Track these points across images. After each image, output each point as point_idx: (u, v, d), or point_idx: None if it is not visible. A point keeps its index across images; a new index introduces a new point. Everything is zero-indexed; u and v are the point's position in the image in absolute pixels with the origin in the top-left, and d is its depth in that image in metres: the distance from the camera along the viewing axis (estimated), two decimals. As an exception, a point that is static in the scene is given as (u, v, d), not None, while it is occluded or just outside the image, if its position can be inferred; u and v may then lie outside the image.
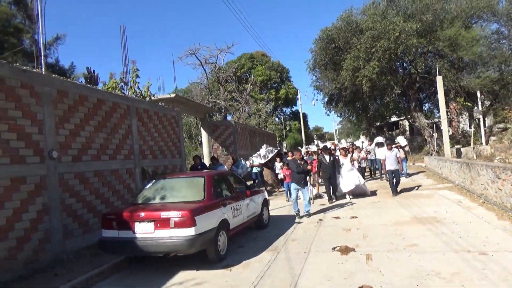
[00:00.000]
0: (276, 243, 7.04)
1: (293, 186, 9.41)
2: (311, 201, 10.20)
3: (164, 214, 5.49)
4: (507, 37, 21.02)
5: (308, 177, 9.79)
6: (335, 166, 11.63)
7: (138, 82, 11.11)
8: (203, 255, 5.97)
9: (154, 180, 6.99)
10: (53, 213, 6.65)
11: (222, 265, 5.93)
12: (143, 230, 5.53)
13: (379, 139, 15.86)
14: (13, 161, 5.91)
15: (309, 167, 9.57)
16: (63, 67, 22.44)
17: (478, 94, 23.09)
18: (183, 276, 5.58)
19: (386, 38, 19.60)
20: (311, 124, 65.32)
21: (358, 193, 11.69)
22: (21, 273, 5.79)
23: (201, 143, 25.59)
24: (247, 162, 14.53)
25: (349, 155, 12.42)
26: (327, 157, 11.44)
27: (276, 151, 14.59)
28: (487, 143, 21.58)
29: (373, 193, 12.14)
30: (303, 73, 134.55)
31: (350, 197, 11.50)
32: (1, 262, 5.53)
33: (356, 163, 13.45)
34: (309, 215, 9.28)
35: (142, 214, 5.61)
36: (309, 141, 50.25)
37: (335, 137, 73.12)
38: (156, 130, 10.90)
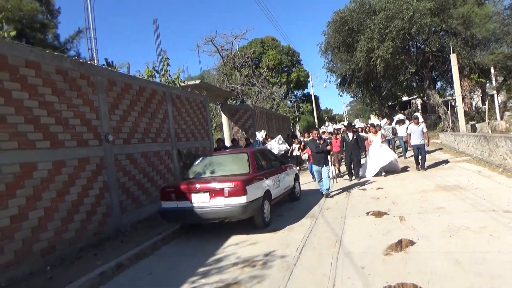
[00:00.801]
0: (312, 212, 7.70)
1: (314, 167, 9.36)
2: (334, 181, 10.58)
3: (218, 185, 6.18)
4: (520, 12, 21.00)
5: (329, 157, 9.52)
6: (359, 144, 11.52)
7: (169, 70, 11.73)
8: (250, 223, 6.67)
9: (201, 158, 7.67)
10: (112, 190, 7.38)
11: (269, 229, 6.63)
12: (200, 200, 6.22)
13: (400, 116, 16.10)
14: (79, 144, 6.62)
15: (328, 147, 9.23)
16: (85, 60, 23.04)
17: (492, 70, 23.20)
18: (236, 239, 6.29)
19: (400, 18, 19.76)
20: (322, 106, 65.42)
21: (389, 169, 11.44)
22: (91, 242, 6.55)
23: (215, 128, 26.31)
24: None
25: (380, 132, 11.94)
26: (350, 135, 11.43)
27: (286, 147, 13.88)
28: (501, 118, 21.81)
29: (403, 169, 11.99)
30: (314, 57, 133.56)
31: (383, 174, 11.31)
32: (76, 232, 6.27)
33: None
34: (328, 194, 9.14)
35: (198, 186, 6.28)
36: (321, 123, 50.54)
37: (345, 119, 73.14)
38: (188, 115, 11.53)
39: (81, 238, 6.38)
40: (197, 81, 13.86)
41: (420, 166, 11.39)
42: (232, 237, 6.43)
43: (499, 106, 23.45)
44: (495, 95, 23.93)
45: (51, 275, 5.08)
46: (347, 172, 11.90)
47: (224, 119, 19.39)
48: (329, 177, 9.15)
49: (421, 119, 17.15)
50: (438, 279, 3.78)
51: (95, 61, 9.86)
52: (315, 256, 5.00)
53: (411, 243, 4.96)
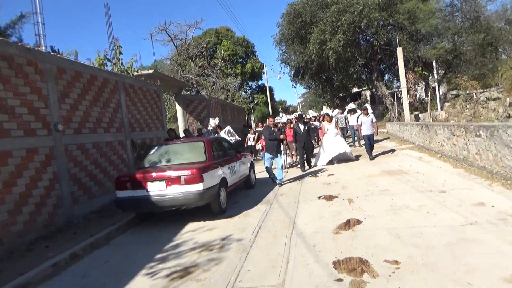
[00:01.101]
0: (267, 198, 7.96)
1: (267, 155, 9.29)
2: (286, 170, 10.74)
3: (175, 173, 6.23)
4: (460, 10, 22.54)
5: (282, 146, 9.68)
6: (310, 135, 11.78)
7: (122, 59, 11.42)
8: (206, 210, 6.79)
9: (157, 147, 7.64)
10: (62, 181, 7.18)
11: (225, 216, 6.79)
12: (156, 189, 6.24)
13: (351, 105, 16.61)
14: (26, 134, 6.36)
15: (282, 136, 9.27)
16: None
17: (434, 64, 24.75)
18: (193, 226, 6.39)
19: (351, 11, 20.49)
20: (276, 98, 66.27)
21: (341, 158, 11.70)
22: (42, 234, 6.37)
23: (169, 119, 25.89)
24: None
25: (334, 121, 12.30)
26: (301, 126, 11.51)
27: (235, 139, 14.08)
28: (442, 109, 23.40)
29: (357, 157, 12.24)
30: (268, 48, 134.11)
31: (335, 162, 11.56)
32: (25, 224, 6.07)
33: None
34: (281, 184, 9.18)
35: (154, 174, 6.30)
36: (275, 114, 51.26)
37: (298, 109, 74.64)
38: (142, 105, 11.34)
39: (31, 230, 6.19)
40: (151, 71, 13.59)
41: (369, 155, 11.62)
42: (189, 224, 6.52)
43: (440, 97, 25.11)
44: (437, 87, 25.58)
45: None
46: (299, 162, 11.94)
47: (179, 109, 19.18)
48: (282, 167, 9.30)
49: (370, 110, 18.07)
50: (381, 251, 4.14)
51: (43, 48, 9.40)
52: (270, 238, 5.24)
53: (358, 222, 5.34)
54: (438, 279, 3.36)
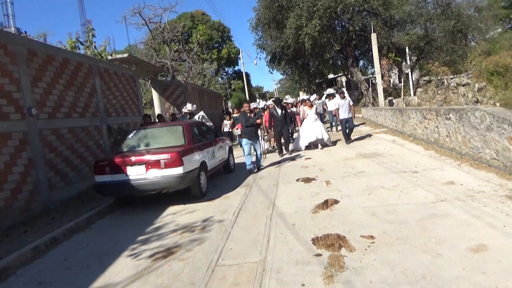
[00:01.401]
0: (247, 181, 8.09)
1: (244, 141, 9.16)
2: (264, 156, 10.84)
3: (154, 157, 6.23)
4: (432, -3, 23.05)
5: (259, 131, 9.64)
6: (287, 119, 11.52)
7: (95, 42, 11.12)
8: (187, 193, 6.85)
9: (135, 131, 7.59)
10: (38, 166, 7.05)
11: (205, 199, 6.88)
12: (136, 173, 6.24)
13: (330, 90, 16.62)
14: (-1, 117, 6.20)
15: (258, 120, 9.13)
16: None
17: (407, 50, 25.28)
18: (174, 209, 6.45)
19: (327, -4, 20.56)
20: (253, 83, 66.15)
21: (320, 143, 11.67)
22: (19, 220, 6.28)
23: (145, 104, 25.42)
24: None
25: (315, 106, 12.25)
26: (278, 110, 11.24)
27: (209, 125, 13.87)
28: (414, 94, 24.02)
29: (334, 143, 12.15)
30: (245, 33, 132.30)
31: (313, 147, 11.64)
32: (1, 211, 5.96)
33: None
34: (258, 169, 9.23)
35: (133, 158, 6.29)
36: (252, 100, 51.25)
37: (275, 96, 74.82)
38: (117, 89, 11.16)
39: (7, 216, 6.10)
40: (125, 55, 13.34)
41: (346, 139, 11.72)
42: (169, 207, 6.57)
43: (413, 83, 25.75)
44: (410, 73, 26.19)
45: (-23, 254, 4.85)
46: (276, 147, 11.84)
47: (155, 95, 18.91)
48: (261, 152, 9.40)
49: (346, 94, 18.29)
50: (358, 228, 4.35)
51: (12, 29, 9.04)
52: (250, 219, 5.37)
53: (336, 202, 5.55)
54: (410, 250, 3.59)
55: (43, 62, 7.70)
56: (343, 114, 11.67)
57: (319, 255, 3.79)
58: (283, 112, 11.31)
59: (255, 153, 9.40)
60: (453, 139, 8.06)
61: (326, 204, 5.49)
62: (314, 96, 18.58)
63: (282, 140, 11.57)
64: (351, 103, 11.93)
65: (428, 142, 9.46)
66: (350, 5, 21.50)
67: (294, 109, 16.16)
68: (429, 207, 4.72)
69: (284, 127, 11.34)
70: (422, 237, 3.86)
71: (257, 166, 9.28)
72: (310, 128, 11.57)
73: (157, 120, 13.05)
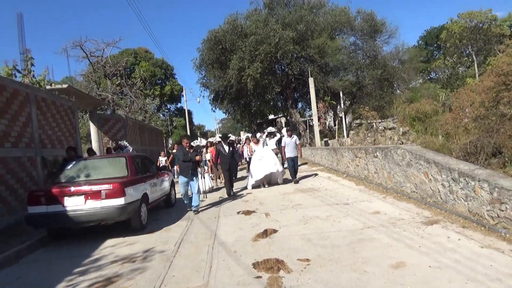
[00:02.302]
0: (188, 214, 8.18)
1: (181, 179, 8.49)
2: (204, 196, 10.16)
3: (95, 187, 6.17)
4: (361, 48, 25.56)
5: (198, 169, 8.91)
6: (235, 157, 11.18)
7: (33, 71, 10.85)
8: (126, 226, 6.79)
9: (74, 162, 7.44)
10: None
11: (146, 231, 6.85)
12: (74, 204, 6.11)
13: (271, 129, 16.97)
14: None
15: (198, 157, 8.56)
16: None
17: (341, 94, 27.39)
18: (113, 241, 6.34)
19: (268, 43, 21.93)
20: (195, 121, 66.35)
21: (272, 182, 11.28)
22: None
23: (81, 138, 24.43)
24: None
25: (261, 141, 11.74)
26: (226, 147, 10.65)
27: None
28: (347, 136, 25.81)
29: (285, 181, 11.72)
30: (188, 71, 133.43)
31: (266, 186, 11.15)
32: None
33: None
34: (197, 211, 8.28)
35: (72, 188, 6.18)
36: (194, 138, 51.19)
37: (216, 135, 75.25)
38: (54, 120, 10.83)
39: None
40: (65, 85, 13.03)
41: (293, 177, 11.35)
42: (108, 240, 6.44)
43: (346, 126, 27.71)
44: (343, 117, 28.22)
45: None
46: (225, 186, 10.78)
47: (93, 128, 18.34)
48: (198, 191, 8.55)
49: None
50: (295, 252, 4.70)
51: None
52: (193, 248, 5.50)
53: (274, 231, 5.89)
54: (341, 269, 4.00)
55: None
56: (290, 153, 11.38)
57: (259, 277, 4.04)
58: (231, 149, 10.81)
59: (192, 193, 8.53)
60: (380, 175, 8.90)
61: (265, 233, 5.80)
62: (259, 134, 18.75)
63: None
64: (298, 141, 11.72)
65: (359, 178, 10.30)
66: (289, 52, 23.07)
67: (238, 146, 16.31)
68: (357, 233, 5.24)
69: (232, 165, 10.96)
70: (351, 258, 4.30)
71: (194, 207, 8.33)
72: (258, 165, 11.03)
73: (86, 155, 12.55)
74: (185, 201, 8.68)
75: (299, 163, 12.47)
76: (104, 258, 5.46)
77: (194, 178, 8.44)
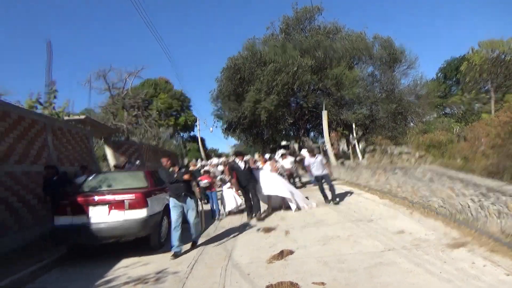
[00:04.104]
0: (207, 231, 7.55)
1: (172, 201, 6.15)
2: (221, 216, 8.91)
3: (118, 197, 5.78)
4: (379, 81, 24.82)
5: (196, 189, 6.57)
6: (252, 174, 8.80)
7: (54, 103, 10.98)
8: (140, 245, 6.27)
9: (94, 174, 7.15)
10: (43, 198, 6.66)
11: (161, 251, 6.28)
12: (98, 214, 5.74)
13: (282, 151, 16.14)
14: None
15: (186, 176, 6.23)
16: None
17: (353, 126, 26.65)
18: (128, 261, 5.84)
19: (286, 72, 21.35)
20: (208, 146, 65.16)
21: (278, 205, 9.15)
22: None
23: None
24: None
25: (269, 162, 10.15)
26: (241, 164, 8.71)
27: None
28: (363, 157, 24.90)
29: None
30: (203, 99, 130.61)
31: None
32: None
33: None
34: (196, 243, 6.41)
35: (96, 198, 5.82)
36: (209, 158, 50.30)
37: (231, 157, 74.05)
38: (70, 144, 10.76)
39: None
40: (82, 116, 12.94)
41: (331, 198, 9.11)
42: (122, 260, 5.93)
43: (360, 151, 26.82)
44: (356, 144, 27.36)
45: None
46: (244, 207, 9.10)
47: (109, 151, 17.71)
48: (198, 216, 6.36)
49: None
50: (310, 276, 4.16)
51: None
52: (206, 270, 4.98)
53: (291, 252, 5.28)
54: (359, 295, 3.38)
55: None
56: (317, 171, 9.45)
57: (273, 300, 3.47)
58: (247, 166, 8.82)
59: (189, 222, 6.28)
60: (404, 189, 8.20)
61: (281, 254, 5.19)
62: (267, 155, 16.18)
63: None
64: (324, 160, 9.83)
65: (382, 192, 9.49)
66: (306, 83, 22.50)
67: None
68: (377, 256, 4.62)
69: (251, 183, 8.59)
70: (368, 283, 3.79)
71: (192, 241, 6.38)
72: (268, 181, 8.88)
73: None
74: (172, 239, 5.98)
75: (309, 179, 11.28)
76: (117, 279, 4.99)
77: (189, 200, 6.18)
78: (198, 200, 6.53)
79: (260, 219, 8.14)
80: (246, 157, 12.25)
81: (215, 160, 18.96)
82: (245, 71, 23.20)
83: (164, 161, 6.48)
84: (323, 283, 3.83)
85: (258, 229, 7.19)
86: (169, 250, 6.24)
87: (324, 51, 22.82)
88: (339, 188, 11.75)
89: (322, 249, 5.30)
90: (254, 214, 8.38)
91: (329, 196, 9.15)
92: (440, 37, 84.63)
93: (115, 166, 12.72)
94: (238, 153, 9.54)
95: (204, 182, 9.16)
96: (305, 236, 6.18)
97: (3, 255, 6.36)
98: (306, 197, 9.41)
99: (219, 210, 9.29)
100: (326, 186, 9.32)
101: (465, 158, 8.85)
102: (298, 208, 8.76)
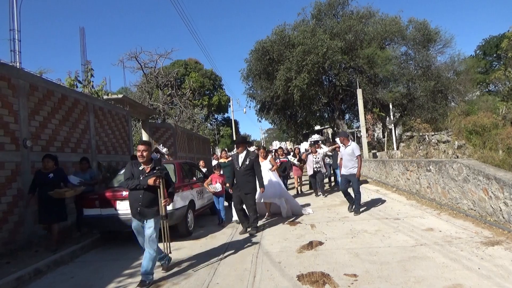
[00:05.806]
0: (234, 223, 8.15)
1: (134, 222, 4.67)
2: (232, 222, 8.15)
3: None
4: (413, 59, 24.53)
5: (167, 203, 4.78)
6: (255, 173, 7.07)
7: (93, 81, 11.54)
8: (173, 231, 6.86)
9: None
10: (26, 198, 7.05)
11: (192, 237, 6.93)
12: (125, 208, 6.30)
13: (316, 137, 16.12)
14: (-7, 147, 6.32)
15: (151, 180, 4.50)
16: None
17: (390, 106, 26.47)
18: (160, 245, 6.43)
19: (315, 53, 21.74)
20: (241, 131, 67.02)
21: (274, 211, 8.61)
22: (1, 251, 6.18)
23: (134, 145, 25.45)
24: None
25: (270, 157, 8.77)
26: (240, 159, 7.10)
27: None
28: (397, 148, 24.83)
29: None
30: (235, 82, 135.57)
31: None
32: (-16, 240, 5.91)
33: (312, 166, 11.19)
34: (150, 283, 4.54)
35: (124, 193, 6.39)
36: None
37: (262, 144, 75.71)
38: (110, 127, 11.39)
39: (-10, 246, 6.02)
40: (120, 95, 13.72)
41: (353, 209, 8.06)
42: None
43: (396, 138, 26.69)
44: (393, 129, 27.24)
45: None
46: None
47: (145, 136, 19.13)
48: (155, 251, 4.64)
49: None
50: (341, 267, 4.50)
51: (18, 64, 9.40)
52: (237, 257, 5.46)
53: (320, 243, 5.71)
54: None
55: (43, 97, 7.96)
56: (344, 168, 8.25)
57: (303, 290, 3.91)
58: (248, 162, 7.04)
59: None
60: (433, 190, 8.41)
61: (311, 245, 5.64)
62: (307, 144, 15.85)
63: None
64: (358, 152, 8.09)
65: (410, 192, 9.80)
66: (337, 62, 22.68)
67: (290, 157, 13.15)
68: (409, 250, 4.93)
69: (247, 186, 7.03)
70: (402, 276, 4.03)
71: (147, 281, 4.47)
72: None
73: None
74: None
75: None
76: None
77: (148, 220, 4.58)
78: (161, 220, 4.79)
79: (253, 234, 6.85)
80: (252, 148, 11.30)
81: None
82: (274, 53, 23.62)
83: (139, 152, 4.63)
84: (355, 275, 4.16)
85: (284, 222, 7.68)
86: (198, 237, 6.87)
87: (355, 34, 22.92)
88: (365, 188, 11.88)
89: (351, 241, 5.67)
90: (250, 227, 7.05)
91: (352, 205, 8.15)
92: (479, 15, 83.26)
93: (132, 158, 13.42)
94: (241, 141, 7.49)
95: (215, 186, 7.95)
96: (332, 230, 6.58)
97: (45, 236, 7.21)
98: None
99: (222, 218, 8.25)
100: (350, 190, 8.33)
101: (509, 149, 8.87)
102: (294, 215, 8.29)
